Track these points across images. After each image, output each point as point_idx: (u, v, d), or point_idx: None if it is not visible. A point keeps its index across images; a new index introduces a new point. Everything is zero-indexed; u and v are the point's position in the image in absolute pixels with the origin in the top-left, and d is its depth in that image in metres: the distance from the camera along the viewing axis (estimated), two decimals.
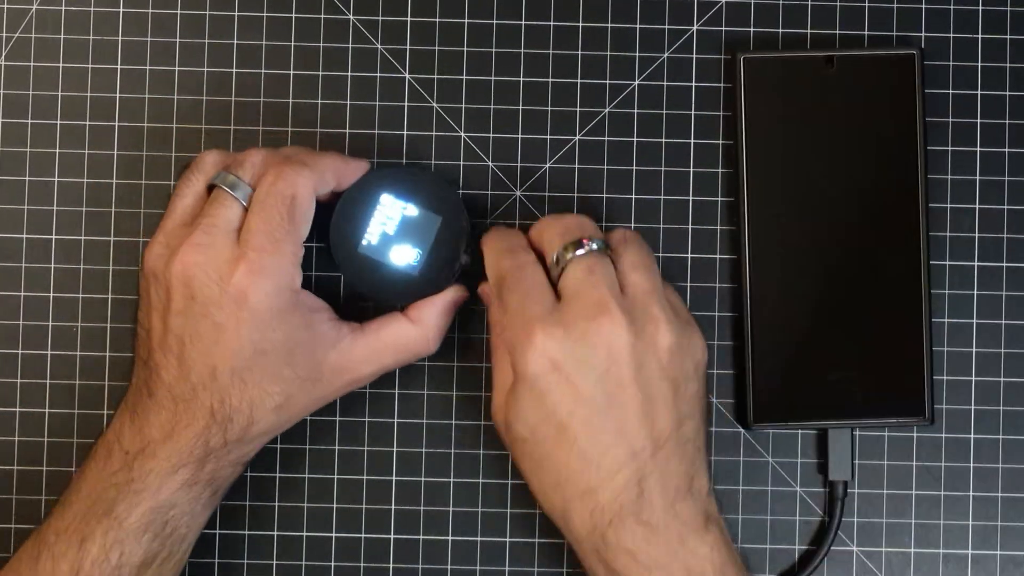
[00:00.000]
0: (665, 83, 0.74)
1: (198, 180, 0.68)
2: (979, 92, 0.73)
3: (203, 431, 0.64)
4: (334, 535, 0.73)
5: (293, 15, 0.74)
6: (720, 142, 0.73)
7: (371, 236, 0.68)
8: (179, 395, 0.65)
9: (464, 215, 0.69)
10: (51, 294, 0.73)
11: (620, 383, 0.63)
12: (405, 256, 0.69)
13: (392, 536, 0.73)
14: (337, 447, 0.73)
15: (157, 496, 0.64)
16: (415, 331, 0.68)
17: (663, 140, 0.74)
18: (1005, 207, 0.73)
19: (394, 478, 0.73)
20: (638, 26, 0.74)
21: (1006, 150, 0.73)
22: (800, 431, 0.73)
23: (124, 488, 0.64)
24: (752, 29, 0.74)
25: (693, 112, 0.74)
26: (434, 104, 0.74)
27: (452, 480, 0.73)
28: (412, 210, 0.69)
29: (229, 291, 0.64)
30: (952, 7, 0.74)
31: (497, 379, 0.67)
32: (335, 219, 0.68)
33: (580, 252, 0.65)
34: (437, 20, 0.74)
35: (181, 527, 0.65)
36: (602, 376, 0.63)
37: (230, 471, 0.66)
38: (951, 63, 0.73)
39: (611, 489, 0.63)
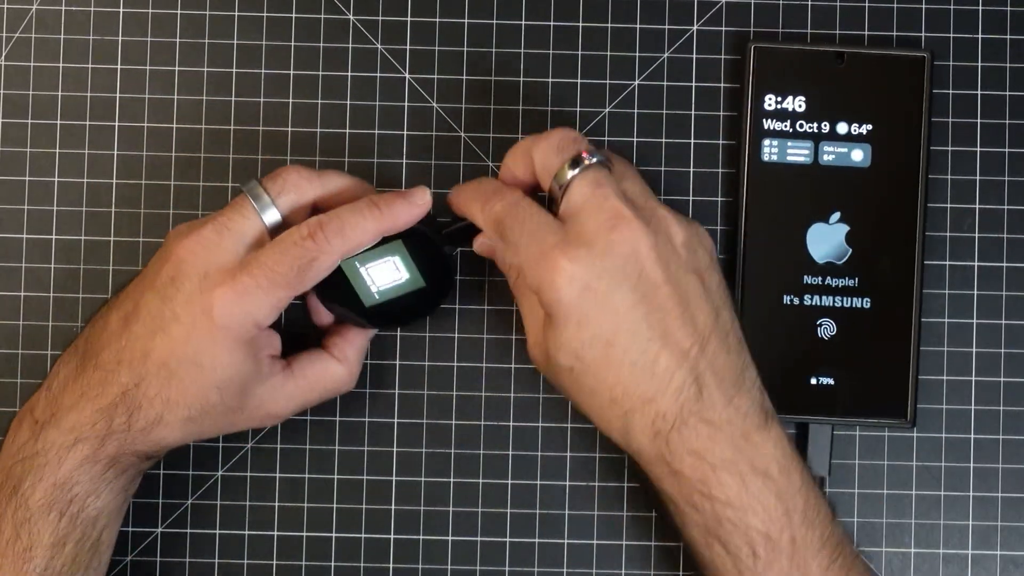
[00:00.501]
0: (665, 83, 0.74)
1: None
2: (979, 92, 0.73)
3: (108, 408, 0.64)
4: (334, 535, 0.73)
5: (293, 15, 0.74)
6: (720, 142, 0.74)
7: (363, 293, 0.68)
8: (102, 362, 0.65)
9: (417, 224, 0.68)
10: (51, 294, 0.73)
11: (654, 287, 0.63)
12: (406, 281, 0.68)
13: (392, 536, 0.73)
14: (337, 447, 0.73)
15: (58, 471, 0.64)
16: (342, 369, 0.68)
17: (663, 140, 0.74)
18: (1005, 207, 0.73)
19: (394, 478, 0.73)
20: (638, 26, 0.74)
21: (1006, 150, 0.73)
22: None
23: (30, 462, 0.64)
24: (752, 29, 0.74)
25: (693, 112, 0.74)
26: (434, 104, 0.74)
27: (452, 480, 0.73)
28: (372, 250, 0.67)
29: (202, 296, 0.64)
30: (952, 7, 0.74)
31: (527, 321, 0.66)
32: (333, 309, 0.69)
33: (579, 169, 0.64)
34: (437, 20, 0.74)
35: (89, 507, 0.65)
36: (636, 284, 0.62)
37: (134, 460, 0.66)
38: (951, 63, 0.73)
39: (670, 393, 0.63)
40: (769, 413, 0.64)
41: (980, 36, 0.74)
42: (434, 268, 0.68)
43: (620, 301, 0.62)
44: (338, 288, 0.68)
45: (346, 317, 0.69)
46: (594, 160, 0.64)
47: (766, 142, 0.72)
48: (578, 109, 0.74)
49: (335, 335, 0.70)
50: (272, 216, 0.66)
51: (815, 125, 0.71)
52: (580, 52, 0.74)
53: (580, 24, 0.74)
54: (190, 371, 0.64)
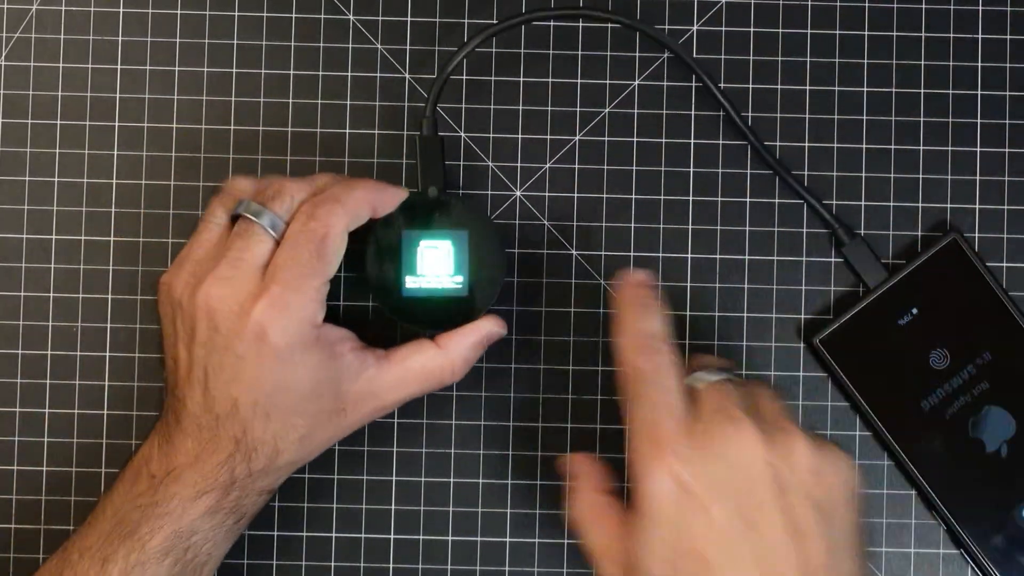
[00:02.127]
0: (665, 83, 0.74)
1: (228, 208, 0.67)
2: (979, 92, 0.73)
3: (227, 459, 0.64)
4: (334, 535, 0.73)
5: (293, 15, 0.74)
6: (720, 142, 0.74)
7: (409, 276, 0.69)
8: (204, 424, 0.65)
9: (493, 229, 0.69)
10: (51, 294, 0.73)
11: (759, 507, 0.57)
12: (447, 282, 0.69)
13: (392, 536, 0.73)
14: (337, 447, 0.73)
15: (180, 521, 0.64)
16: (441, 359, 0.68)
17: (663, 140, 0.74)
18: (1005, 207, 0.73)
19: (394, 478, 0.73)
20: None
21: (1006, 150, 0.73)
22: None
23: (148, 511, 0.64)
24: (752, 29, 0.74)
25: (693, 112, 0.74)
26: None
27: (452, 480, 0.73)
28: (440, 236, 0.69)
29: (249, 325, 0.63)
30: (952, 7, 0.74)
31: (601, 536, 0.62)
32: (369, 269, 0.69)
33: (715, 378, 0.62)
34: (437, 20, 0.74)
35: (202, 554, 0.65)
36: (741, 502, 0.57)
37: (255, 499, 0.66)
38: (951, 63, 0.73)
39: None
40: None
41: (980, 36, 0.74)
42: (478, 285, 0.69)
43: (720, 515, 0.57)
44: (384, 260, 0.69)
45: (372, 289, 0.70)
46: (723, 376, 0.62)
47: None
48: (578, 109, 0.74)
49: (445, 333, 0.69)
50: (279, 228, 0.65)
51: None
52: (580, 52, 0.74)
53: (580, 24, 0.74)
54: (281, 398, 0.64)
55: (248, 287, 0.64)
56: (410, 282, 0.69)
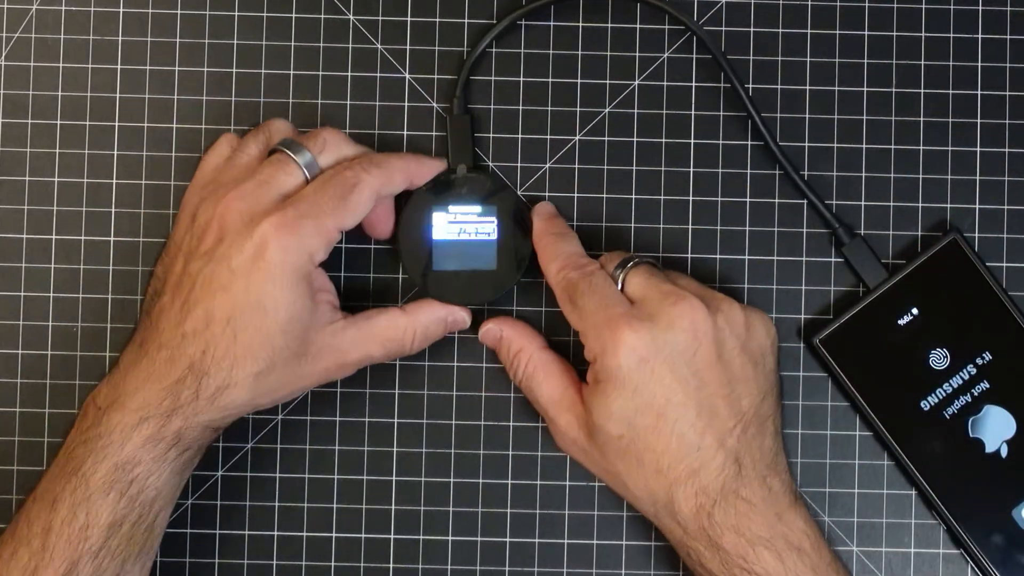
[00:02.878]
0: (665, 83, 0.74)
1: (261, 142, 0.69)
2: (979, 92, 0.73)
3: (176, 383, 0.64)
4: (334, 535, 0.73)
5: (293, 15, 0.74)
6: (720, 142, 0.74)
7: (438, 252, 0.71)
8: (166, 341, 0.65)
9: (521, 205, 0.71)
10: (51, 294, 0.73)
11: (707, 363, 0.65)
12: (477, 256, 0.71)
13: (392, 536, 0.73)
14: (337, 447, 0.73)
15: (121, 452, 0.64)
16: (404, 322, 0.69)
17: (663, 140, 0.74)
18: (1005, 207, 0.73)
19: (394, 478, 0.73)
20: (638, 26, 0.74)
21: (1006, 150, 0.73)
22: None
23: (92, 444, 0.64)
24: (752, 29, 0.74)
25: (693, 112, 0.74)
26: (434, 104, 0.74)
27: (452, 480, 0.73)
28: (468, 211, 0.71)
29: (253, 237, 0.64)
30: (952, 7, 0.74)
31: (557, 406, 0.69)
32: (401, 244, 0.71)
33: (631, 264, 0.68)
34: (437, 20, 0.74)
35: (149, 488, 0.65)
36: (691, 360, 0.65)
37: (198, 434, 0.66)
38: (951, 63, 0.73)
39: (713, 469, 0.65)
40: (796, 493, 0.67)
41: (980, 36, 0.74)
42: (507, 255, 0.71)
43: (674, 375, 0.65)
44: (414, 238, 0.71)
45: (403, 266, 0.72)
46: (644, 259, 0.68)
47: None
48: (578, 109, 0.74)
49: (413, 301, 0.71)
50: (314, 171, 0.68)
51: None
52: (580, 52, 0.74)
53: (580, 24, 0.74)
54: (254, 318, 0.64)
55: (265, 205, 0.65)
56: (440, 260, 0.71)
